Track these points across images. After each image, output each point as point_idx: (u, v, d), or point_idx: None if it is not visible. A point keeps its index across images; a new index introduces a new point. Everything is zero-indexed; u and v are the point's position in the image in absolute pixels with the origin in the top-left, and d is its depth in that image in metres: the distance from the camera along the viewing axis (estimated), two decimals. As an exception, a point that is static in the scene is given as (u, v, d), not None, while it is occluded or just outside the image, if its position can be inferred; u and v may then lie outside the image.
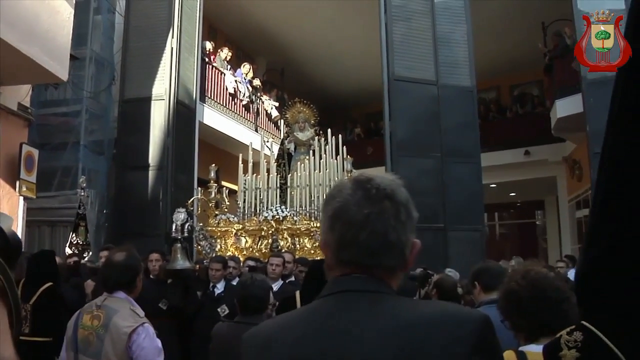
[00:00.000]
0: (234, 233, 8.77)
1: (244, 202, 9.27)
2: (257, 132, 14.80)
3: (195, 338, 6.08)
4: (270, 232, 8.57)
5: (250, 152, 9.64)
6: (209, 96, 13.46)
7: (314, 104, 10.83)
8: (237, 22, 15.94)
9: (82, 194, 8.24)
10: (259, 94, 16.02)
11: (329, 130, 9.93)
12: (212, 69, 13.80)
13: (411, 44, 10.50)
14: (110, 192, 11.10)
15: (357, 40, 15.51)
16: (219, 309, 5.99)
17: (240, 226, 8.86)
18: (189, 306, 6.25)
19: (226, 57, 14.79)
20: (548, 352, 1.76)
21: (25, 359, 3.55)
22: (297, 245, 8.49)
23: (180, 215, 6.88)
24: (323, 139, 9.86)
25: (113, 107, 11.54)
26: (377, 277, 1.21)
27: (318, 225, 8.16)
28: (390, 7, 10.48)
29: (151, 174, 10.78)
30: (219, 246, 8.69)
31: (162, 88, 11.04)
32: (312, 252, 8.34)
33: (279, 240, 8.40)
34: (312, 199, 8.92)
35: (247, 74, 15.45)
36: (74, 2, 7.74)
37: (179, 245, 6.57)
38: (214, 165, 9.17)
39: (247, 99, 15.23)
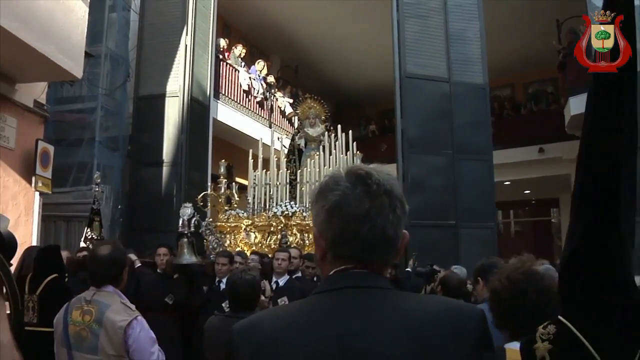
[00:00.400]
0: (243, 229, 8.79)
1: (254, 197, 9.29)
2: (270, 128, 14.87)
3: (199, 333, 6.13)
4: (280, 227, 8.55)
5: (260, 148, 9.67)
6: (223, 93, 13.53)
7: (327, 101, 10.83)
8: (251, 19, 16.00)
9: (97, 189, 8.34)
10: (273, 91, 16.09)
11: (339, 126, 9.94)
12: (226, 66, 13.88)
13: (423, 42, 10.51)
14: (125, 188, 11.23)
15: (370, 37, 15.50)
16: (223, 304, 6.02)
17: (250, 222, 8.86)
18: (194, 301, 6.27)
19: (240, 54, 14.87)
20: (524, 345, 1.82)
21: (34, 348, 3.66)
22: (307, 241, 8.46)
23: (186, 210, 6.90)
24: (333, 134, 9.89)
25: (128, 104, 11.65)
26: (376, 272, 1.24)
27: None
28: (402, 5, 10.51)
29: (165, 170, 10.89)
30: (228, 242, 8.69)
31: (176, 85, 11.14)
32: (322, 248, 8.32)
33: (288, 236, 8.37)
34: (322, 195, 8.87)
35: (261, 71, 15.51)
36: (89, 0, 7.85)
37: (185, 240, 6.57)
38: (223, 160, 9.18)
39: (261, 96, 15.29)
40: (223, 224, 8.97)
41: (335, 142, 9.67)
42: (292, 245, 7.98)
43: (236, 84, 14.28)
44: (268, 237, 8.75)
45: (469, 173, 10.08)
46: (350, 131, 10.02)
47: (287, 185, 9.37)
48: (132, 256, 6.73)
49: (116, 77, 11.58)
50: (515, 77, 18.74)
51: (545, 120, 16.31)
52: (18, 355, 0.94)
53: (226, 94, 13.70)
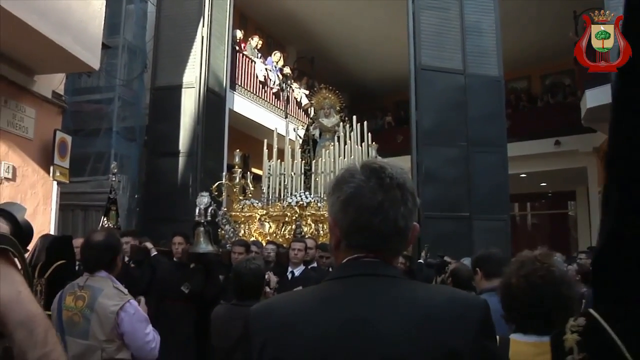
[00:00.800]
0: (257, 218, 8.82)
1: (268, 187, 9.32)
2: (286, 119, 14.92)
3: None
4: (294, 218, 8.57)
5: (275, 138, 9.71)
6: (239, 84, 13.59)
7: (344, 92, 10.84)
8: (268, 10, 16.03)
9: (114, 179, 8.43)
10: (289, 82, 16.12)
11: (354, 117, 9.95)
12: (242, 57, 13.93)
13: (439, 33, 10.46)
14: (141, 178, 11.33)
15: (387, 29, 15.46)
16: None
17: (264, 212, 8.89)
18: (210, 290, 6.24)
19: (257, 45, 14.91)
20: (554, 336, 1.85)
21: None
22: (321, 232, 8.48)
23: (203, 199, 6.92)
24: (348, 125, 9.89)
25: (145, 94, 11.73)
26: (387, 261, 1.30)
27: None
28: (418, -4, 10.48)
29: (181, 160, 10.96)
30: (242, 231, 8.71)
31: (192, 76, 11.21)
32: (336, 238, 8.34)
33: (303, 226, 8.38)
34: (337, 185, 8.86)
35: (277, 62, 15.55)
36: (106, -7, 7.94)
37: (201, 229, 6.59)
38: (238, 150, 9.19)
39: (278, 87, 15.33)
40: (237, 213, 9.02)
41: (350, 132, 9.68)
42: (307, 236, 7.99)
43: (252, 75, 14.33)
44: (282, 227, 8.77)
45: (483, 165, 10.05)
46: (366, 122, 10.02)
47: (302, 176, 9.39)
48: (148, 244, 6.81)
49: (133, 68, 11.66)
50: (532, 69, 18.62)
51: (561, 113, 16.20)
52: (51, 324, 1.03)
53: (242, 85, 13.76)
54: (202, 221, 6.80)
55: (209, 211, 7.15)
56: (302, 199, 8.75)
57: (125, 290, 3.24)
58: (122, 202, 9.86)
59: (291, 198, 8.85)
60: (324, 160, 9.30)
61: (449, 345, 1.16)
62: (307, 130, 10.76)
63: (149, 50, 11.79)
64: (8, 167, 7.34)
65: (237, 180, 9.11)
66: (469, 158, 10.11)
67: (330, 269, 6.72)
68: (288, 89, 15.97)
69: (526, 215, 22.19)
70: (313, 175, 9.41)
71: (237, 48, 13.64)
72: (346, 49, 18.19)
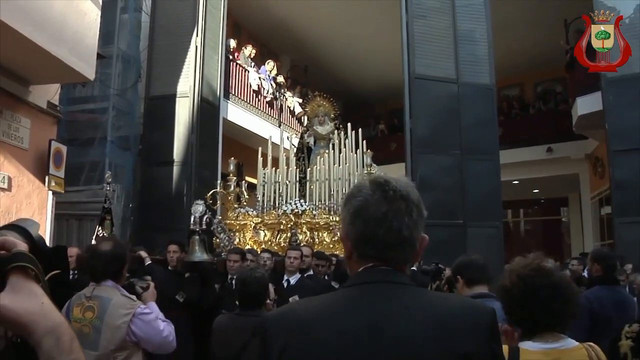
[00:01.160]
0: (252, 226, 8.81)
1: (263, 195, 9.30)
2: (280, 128, 14.95)
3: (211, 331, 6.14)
4: (289, 225, 8.57)
5: (270, 146, 9.74)
6: (233, 93, 13.63)
7: (337, 100, 10.88)
8: (261, 19, 16.11)
9: (109, 188, 8.43)
10: (282, 91, 16.18)
11: (349, 124, 10.00)
12: (236, 66, 13.98)
13: (432, 42, 10.56)
14: (136, 187, 11.35)
15: (379, 38, 15.55)
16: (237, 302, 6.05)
17: (259, 220, 8.89)
18: (206, 299, 6.21)
19: (250, 55, 14.97)
20: (611, 342, 1.91)
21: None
22: (316, 239, 8.48)
23: (198, 208, 6.93)
24: (343, 132, 9.92)
25: (139, 104, 11.74)
26: (397, 269, 1.36)
27: (337, 219, 8.17)
28: (411, 5, 10.55)
29: (175, 169, 11.00)
30: (237, 240, 8.71)
31: (186, 85, 11.25)
32: (331, 246, 8.35)
33: (298, 234, 8.37)
34: (332, 192, 8.90)
35: (271, 71, 15.60)
36: (101, 4, 7.95)
37: (197, 237, 6.59)
38: (232, 158, 9.19)
39: (271, 96, 15.38)
40: (232, 221, 9.01)
41: (344, 140, 9.71)
42: (302, 244, 7.94)
43: (246, 84, 14.38)
44: (277, 235, 8.77)
45: (476, 172, 10.12)
46: (360, 129, 10.06)
47: (297, 183, 9.40)
48: (142, 253, 6.79)
49: (127, 78, 11.67)
50: (524, 76, 18.78)
51: (553, 120, 16.35)
52: (74, 332, 1.08)
53: (236, 94, 13.80)
54: (197, 230, 6.79)
55: (204, 219, 7.13)
56: (297, 206, 8.75)
57: (134, 296, 3.24)
58: (117, 211, 9.84)
59: (286, 206, 8.84)
60: (318, 167, 9.29)
61: (463, 349, 1.22)
62: (302, 137, 10.79)
63: (143, 59, 11.81)
64: (3, 177, 7.34)
65: (232, 188, 9.11)
66: (462, 165, 10.18)
67: (326, 277, 6.75)
68: (282, 97, 16.02)
69: (519, 221, 22.31)
70: (308, 183, 9.39)
71: (231, 57, 13.69)
72: (339, 57, 18.28)
